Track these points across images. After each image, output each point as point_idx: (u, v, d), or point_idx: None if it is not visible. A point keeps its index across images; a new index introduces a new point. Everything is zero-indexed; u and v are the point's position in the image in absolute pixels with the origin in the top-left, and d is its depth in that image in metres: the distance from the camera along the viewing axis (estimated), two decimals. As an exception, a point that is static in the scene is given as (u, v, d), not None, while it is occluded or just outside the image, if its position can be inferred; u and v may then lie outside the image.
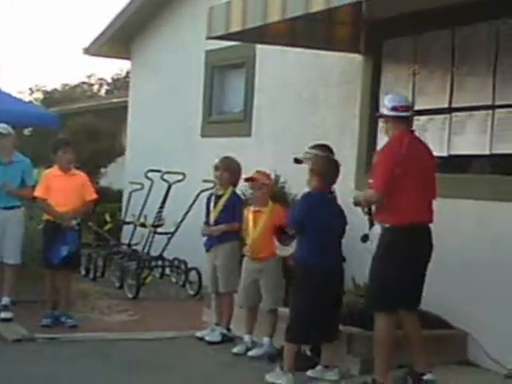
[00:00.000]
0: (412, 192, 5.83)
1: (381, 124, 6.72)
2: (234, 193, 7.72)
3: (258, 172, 7.36)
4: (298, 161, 6.55)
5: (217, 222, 7.63)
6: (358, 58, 8.46)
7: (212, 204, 7.75)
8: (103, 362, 6.82)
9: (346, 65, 8.67)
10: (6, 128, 8.42)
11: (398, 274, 5.76)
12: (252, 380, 6.31)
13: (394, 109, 5.96)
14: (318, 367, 6.38)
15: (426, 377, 5.93)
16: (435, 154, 6.35)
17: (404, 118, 5.98)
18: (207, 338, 7.54)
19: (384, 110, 6.08)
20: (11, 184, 8.29)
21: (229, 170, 7.68)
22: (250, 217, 7.28)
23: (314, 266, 6.16)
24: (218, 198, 7.72)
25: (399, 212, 5.80)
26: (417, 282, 5.94)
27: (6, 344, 7.34)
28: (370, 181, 5.95)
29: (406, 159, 5.81)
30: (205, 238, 7.80)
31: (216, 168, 7.75)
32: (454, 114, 7.39)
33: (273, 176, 8.10)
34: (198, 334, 7.66)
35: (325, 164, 6.30)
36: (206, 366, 6.86)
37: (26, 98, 31.80)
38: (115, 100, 19.59)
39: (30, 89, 35.69)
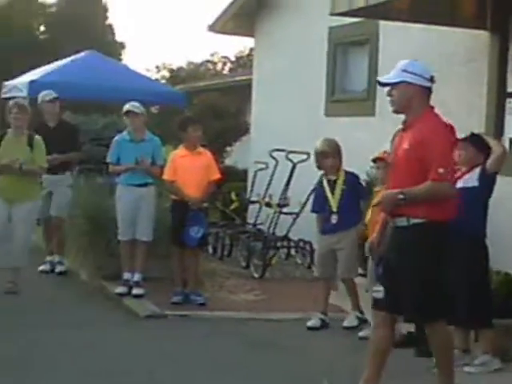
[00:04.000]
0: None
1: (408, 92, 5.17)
2: (347, 173, 7.61)
3: (384, 152, 7.29)
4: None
5: (340, 209, 7.52)
6: (484, 34, 8.20)
7: (328, 190, 7.63)
8: (231, 340, 6.97)
9: (472, 42, 8.45)
10: (139, 107, 8.58)
11: (444, 274, 5.16)
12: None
13: (431, 80, 5.20)
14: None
15: None
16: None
17: (431, 92, 5.25)
18: (345, 324, 7.48)
19: (416, 79, 5.13)
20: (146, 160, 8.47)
21: (339, 154, 7.60)
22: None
23: None
24: (333, 183, 7.61)
25: (444, 205, 5.06)
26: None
27: (137, 320, 7.60)
28: (441, 170, 4.95)
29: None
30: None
31: (325, 154, 7.58)
32: None
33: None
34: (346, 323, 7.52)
35: None
36: (332, 348, 6.90)
37: (153, 75, 32.51)
38: (239, 78, 19.73)
39: (157, 67, 36.46)
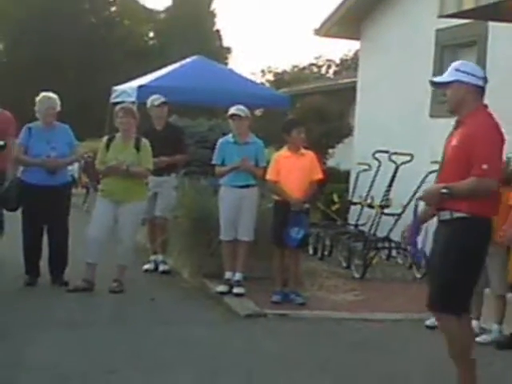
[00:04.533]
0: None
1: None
2: None
3: None
4: None
5: None
6: None
7: None
8: (331, 340, 6.95)
9: None
10: (243, 110, 8.65)
11: (479, 268, 5.27)
12: (480, 366, 6.19)
13: (485, 80, 5.21)
14: None
15: None
16: None
17: (484, 92, 5.23)
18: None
19: (470, 78, 5.14)
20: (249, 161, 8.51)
21: None
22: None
23: None
24: None
25: (487, 201, 5.08)
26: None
27: (238, 318, 7.65)
28: (484, 166, 4.93)
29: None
30: None
31: None
32: None
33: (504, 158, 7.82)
34: (428, 322, 7.39)
35: None
36: (430, 351, 6.76)
37: (258, 79, 32.82)
38: (343, 81, 19.71)
39: (262, 71, 36.78)
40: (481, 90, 5.20)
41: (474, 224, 5.07)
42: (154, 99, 10.03)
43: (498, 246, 6.94)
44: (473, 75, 5.17)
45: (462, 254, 5.06)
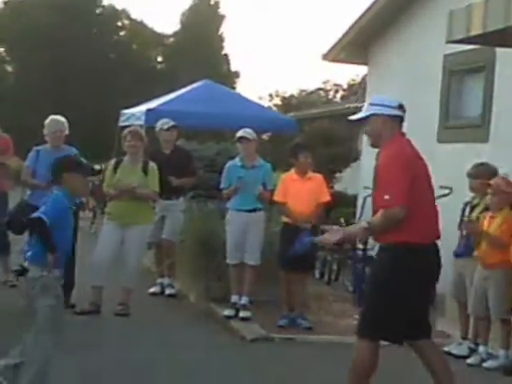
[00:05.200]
0: (429, 202, 5.21)
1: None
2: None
3: (498, 177, 7.18)
4: None
5: None
6: None
7: (467, 213, 7.61)
8: (338, 365, 6.89)
9: None
10: (251, 133, 8.70)
11: (419, 299, 5.19)
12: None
13: (400, 108, 5.31)
14: None
15: None
16: None
17: (403, 120, 5.34)
18: (454, 352, 7.37)
19: (383, 110, 5.25)
20: (253, 187, 8.49)
21: (481, 177, 7.45)
22: (485, 222, 7.16)
23: None
24: (473, 207, 7.58)
25: (420, 227, 5.03)
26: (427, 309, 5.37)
27: (244, 342, 7.65)
28: (386, 197, 4.98)
29: (415, 160, 5.18)
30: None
31: (468, 175, 7.60)
32: None
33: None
34: (446, 348, 7.38)
35: None
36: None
37: (266, 103, 32.96)
38: (351, 105, 19.76)
39: (270, 95, 36.95)
40: (398, 119, 5.27)
41: (401, 253, 5.03)
42: (164, 123, 10.07)
43: (492, 269, 6.96)
44: (387, 106, 5.27)
45: (385, 283, 5.06)
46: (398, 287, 5.02)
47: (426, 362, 5.34)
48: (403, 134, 5.30)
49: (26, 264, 5.57)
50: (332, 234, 5.32)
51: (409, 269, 5.03)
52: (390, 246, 5.11)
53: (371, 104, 5.37)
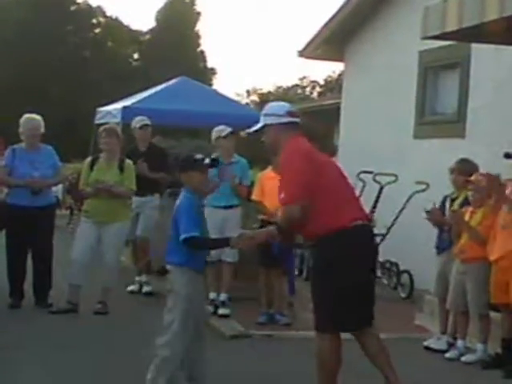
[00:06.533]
0: (342, 187, 5.27)
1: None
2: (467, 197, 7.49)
3: (477, 174, 7.23)
4: (509, 156, 6.39)
5: None
6: None
7: (447, 208, 7.63)
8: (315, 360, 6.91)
9: None
10: (226, 130, 8.72)
11: (351, 287, 5.18)
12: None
13: (289, 114, 5.38)
14: None
15: None
16: None
17: (297, 123, 5.41)
18: (433, 346, 7.44)
19: (273, 119, 5.35)
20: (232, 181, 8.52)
21: (464, 173, 7.49)
22: (467, 217, 7.20)
23: None
24: (453, 201, 7.61)
25: (336, 215, 5.11)
26: (371, 291, 5.41)
27: (223, 339, 7.63)
28: (281, 195, 5.13)
29: (314, 153, 5.22)
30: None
31: (451, 171, 7.63)
32: None
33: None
34: (425, 343, 7.52)
35: None
36: (417, 370, 6.78)
37: (243, 100, 32.95)
38: (328, 102, 19.80)
39: (248, 91, 36.96)
40: (290, 125, 5.34)
41: (328, 241, 5.10)
42: (137, 121, 10.05)
43: (470, 264, 7.00)
44: (276, 115, 5.35)
45: (324, 274, 5.16)
46: (337, 273, 5.09)
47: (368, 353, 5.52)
48: (299, 135, 5.35)
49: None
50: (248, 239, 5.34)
51: (340, 254, 5.10)
52: (316, 239, 5.19)
53: (264, 115, 5.45)
